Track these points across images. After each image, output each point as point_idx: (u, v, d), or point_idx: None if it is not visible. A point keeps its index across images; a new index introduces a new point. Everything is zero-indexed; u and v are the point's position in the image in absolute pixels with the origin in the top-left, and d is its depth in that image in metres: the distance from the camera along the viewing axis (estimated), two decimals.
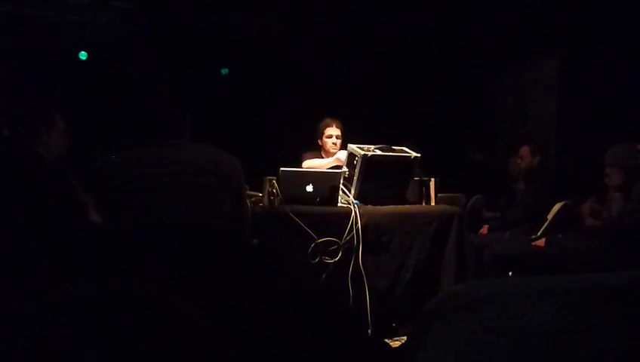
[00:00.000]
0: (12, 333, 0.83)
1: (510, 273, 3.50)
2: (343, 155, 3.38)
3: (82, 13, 5.81)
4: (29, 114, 2.55)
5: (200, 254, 2.05)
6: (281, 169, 2.93)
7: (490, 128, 6.70)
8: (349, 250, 2.93)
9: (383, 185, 3.22)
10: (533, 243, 3.52)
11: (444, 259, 3.19)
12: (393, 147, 3.26)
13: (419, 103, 6.59)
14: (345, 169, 3.17)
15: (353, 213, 2.95)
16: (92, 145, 5.42)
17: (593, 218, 3.46)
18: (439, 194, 3.47)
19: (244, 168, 2.38)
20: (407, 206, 3.29)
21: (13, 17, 5.68)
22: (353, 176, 3.11)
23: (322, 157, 3.94)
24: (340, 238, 2.91)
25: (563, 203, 3.74)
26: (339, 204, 3.06)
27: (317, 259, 2.88)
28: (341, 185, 3.08)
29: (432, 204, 3.40)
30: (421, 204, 3.37)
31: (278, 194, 2.89)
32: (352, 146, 3.18)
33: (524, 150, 4.31)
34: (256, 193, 3.07)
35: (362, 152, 3.07)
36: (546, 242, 3.41)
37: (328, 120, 3.97)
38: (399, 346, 2.86)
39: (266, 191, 2.93)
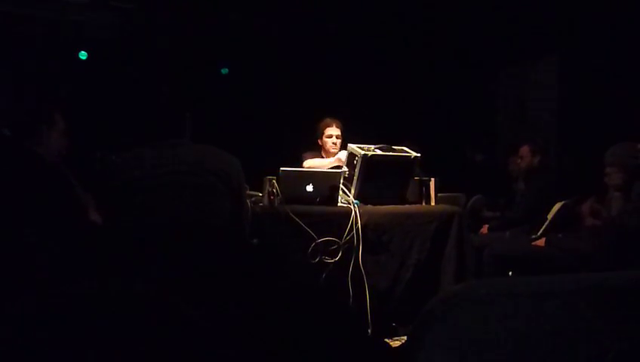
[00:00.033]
0: (12, 333, 0.83)
1: (510, 273, 3.50)
2: (343, 155, 3.39)
3: (82, 13, 5.81)
4: (29, 114, 2.55)
5: (200, 254, 2.05)
6: (281, 169, 2.93)
7: (491, 128, 6.70)
8: (349, 249, 2.93)
9: (383, 184, 3.22)
10: (533, 243, 3.53)
11: (444, 258, 3.18)
12: (393, 147, 3.26)
13: (419, 103, 6.59)
14: (345, 169, 3.17)
15: (353, 212, 2.95)
16: (92, 145, 5.41)
17: (593, 218, 3.46)
18: (439, 194, 3.47)
19: (244, 168, 2.38)
20: (407, 206, 3.29)
21: (13, 17, 5.68)
22: (353, 175, 3.11)
23: (322, 157, 3.94)
24: (340, 238, 2.91)
25: (563, 203, 3.74)
26: (339, 204, 3.06)
27: (317, 259, 2.88)
28: (341, 185, 3.08)
29: (432, 203, 3.40)
30: (421, 203, 3.37)
31: (278, 194, 2.89)
32: (352, 146, 3.18)
33: (524, 150, 4.31)
34: (256, 193, 3.07)
35: (362, 152, 3.07)
36: (546, 242, 3.41)
37: (328, 120, 3.97)
38: (399, 346, 2.86)
39: (266, 191, 2.93)
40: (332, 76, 6.38)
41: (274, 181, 2.91)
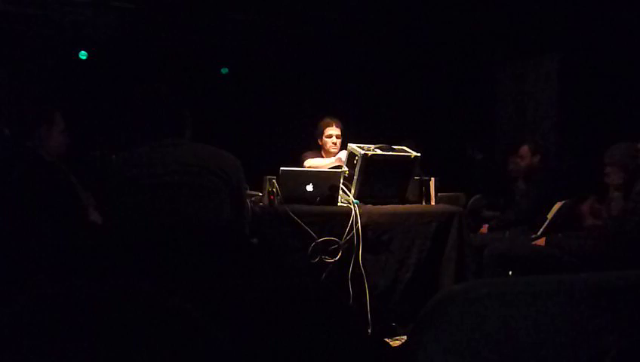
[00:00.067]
0: (11, 333, 0.83)
1: (510, 272, 3.49)
2: (344, 155, 3.39)
3: (82, 12, 5.81)
4: (29, 113, 2.55)
5: (200, 254, 2.05)
6: (281, 168, 2.93)
7: (490, 128, 6.70)
8: (349, 249, 2.93)
9: (383, 184, 3.22)
10: (533, 243, 3.52)
11: (444, 258, 3.19)
12: (393, 146, 3.26)
13: (419, 103, 6.59)
14: (345, 168, 3.17)
15: (353, 212, 2.95)
16: (92, 145, 5.42)
17: (593, 217, 3.46)
18: (439, 194, 3.48)
19: (244, 168, 2.38)
20: (407, 205, 3.30)
21: (13, 16, 5.68)
22: (353, 175, 3.11)
23: (323, 157, 3.94)
24: (340, 238, 2.91)
25: (563, 202, 3.74)
26: (339, 204, 3.06)
27: (317, 259, 2.88)
28: (341, 185, 3.08)
29: (432, 203, 3.40)
30: (421, 203, 3.38)
31: (278, 194, 2.89)
32: (352, 146, 3.18)
33: (524, 150, 4.30)
34: (256, 192, 3.08)
35: (362, 152, 3.07)
36: (546, 241, 3.40)
37: (328, 119, 3.97)
38: (399, 345, 2.86)
39: (266, 191, 2.93)
40: (332, 76, 6.37)
41: (274, 181, 2.92)
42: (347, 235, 2.92)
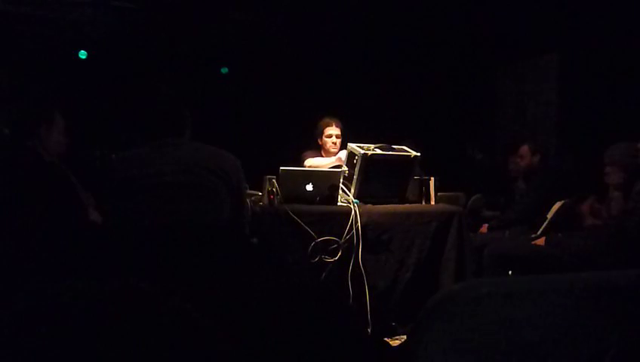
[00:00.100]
0: (10, 333, 0.83)
1: (510, 272, 3.49)
2: (344, 155, 3.39)
3: (82, 12, 5.81)
4: (28, 112, 2.55)
5: (199, 253, 2.05)
6: (281, 168, 2.93)
7: (490, 127, 6.70)
8: (349, 249, 2.93)
9: (383, 184, 3.23)
10: (533, 243, 3.52)
11: (443, 258, 3.19)
12: (393, 146, 3.26)
13: (419, 102, 6.59)
14: (345, 168, 3.17)
15: (353, 212, 2.95)
16: (92, 145, 5.42)
17: (593, 217, 3.46)
18: (439, 193, 3.48)
19: (243, 167, 2.38)
20: (407, 205, 3.30)
21: (13, 16, 5.68)
22: (353, 175, 3.11)
23: (323, 157, 3.94)
24: (340, 237, 2.91)
25: (563, 202, 3.74)
26: (339, 203, 3.06)
27: (317, 258, 2.88)
28: (341, 185, 3.08)
29: (432, 203, 3.40)
30: (421, 203, 3.38)
31: (277, 194, 2.89)
32: (351, 145, 3.18)
33: (524, 149, 4.31)
34: (256, 192, 3.07)
35: (362, 151, 3.07)
36: (545, 241, 3.40)
37: (328, 119, 3.96)
38: (399, 345, 2.86)
39: (266, 191, 2.93)
40: (332, 75, 6.37)
41: (274, 180, 2.92)
42: (347, 235, 2.92)
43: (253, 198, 2.98)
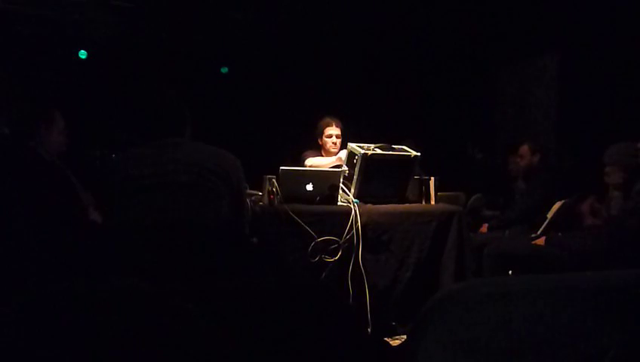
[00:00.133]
0: (10, 333, 0.83)
1: (510, 271, 3.49)
2: (345, 155, 3.39)
3: (82, 12, 5.81)
4: (28, 112, 2.55)
5: (199, 253, 2.05)
6: (281, 168, 2.93)
7: (490, 127, 6.70)
8: (349, 248, 2.93)
9: (383, 184, 3.22)
10: (533, 242, 3.52)
11: (443, 257, 3.19)
12: (393, 146, 3.26)
13: (419, 102, 6.59)
14: (345, 168, 3.17)
15: (353, 211, 2.95)
16: (92, 144, 5.42)
17: (593, 217, 3.46)
18: (439, 193, 3.47)
19: (243, 167, 2.38)
20: (407, 205, 3.29)
21: (13, 15, 5.68)
22: (353, 174, 3.11)
23: (323, 157, 3.94)
24: (340, 237, 2.91)
25: (563, 201, 3.74)
26: (339, 203, 3.06)
27: (317, 258, 2.88)
28: (341, 184, 3.08)
29: (432, 202, 3.40)
30: (421, 202, 3.37)
31: (277, 193, 2.89)
32: (351, 145, 3.18)
33: (524, 149, 4.31)
34: (256, 192, 3.07)
35: (362, 151, 3.07)
36: (545, 241, 3.40)
37: (328, 119, 3.96)
38: (399, 345, 2.86)
39: (266, 190, 2.93)
40: (332, 75, 6.37)
41: (274, 180, 2.92)
42: (347, 235, 2.92)
43: (253, 198, 2.97)
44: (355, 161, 3.10)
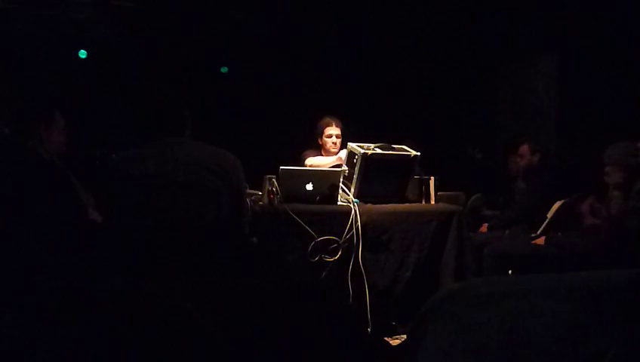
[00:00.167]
0: (11, 333, 0.83)
1: (510, 271, 3.49)
2: (345, 155, 3.39)
3: (82, 11, 5.81)
4: (28, 112, 2.55)
5: (199, 253, 2.05)
6: (281, 167, 2.93)
7: (490, 127, 6.70)
8: (349, 248, 2.93)
9: (383, 183, 3.22)
10: (532, 242, 3.52)
11: (443, 257, 3.19)
12: (393, 145, 3.26)
13: (419, 102, 6.59)
14: (345, 167, 3.17)
15: (353, 211, 2.95)
16: (92, 144, 5.41)
17: (593, 216, 3.46)
18: (439, 193, 3.48)
19: (243, 166, 2.38)
20: (407, 204, 3.30)
21: (12, 15, 5.67)
22: (353, 174, 3.11)
23: (323, 156, 3.94)
24: (340, 237, 2.91)
25: (563, 201, 3.74)
26: (338, 203, 3.06)
27: (317, 258, 2.88)
28: (341, 184, 3.08)
29: (432, 202, 3.40)
30: (421, 202, 3.38)
31: (277, 193, 2.89)
32: (351, 145, 3.18)
33: (524, 149, 4.31)
34: (256, 191, 3.07)
35: (362, 151, 3.07)
36: (545, 240, 3.41)
37: (328, 119, 3.96)
38: (399, 344, 2.86)
39: (266, 190, 2.93)
40: (332, 75, 6.37)
41: (274, 180, 2.92)
42: (347, 234, 2.92)
43: (253, 198, 2.97)
44: (355, 160, 3.10)
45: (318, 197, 3.00)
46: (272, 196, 2.90)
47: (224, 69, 6.82)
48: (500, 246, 3.61)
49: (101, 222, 2.45)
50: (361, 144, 3.16)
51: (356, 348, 1.23)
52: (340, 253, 2.91)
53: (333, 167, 3.54)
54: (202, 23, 6.02)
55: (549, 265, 3.28)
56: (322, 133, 3.93)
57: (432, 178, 3.43)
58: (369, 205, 3.11)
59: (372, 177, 3.13)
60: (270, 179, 2.92)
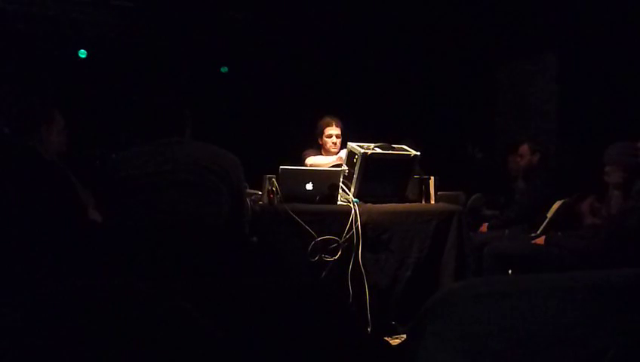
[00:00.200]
0: (11, 332, 0.83)
1: (510, 271, 3.49)
2: (345, 154, 3.39)
3: (82, 11, 5.81)
4: (28, 111, 2.55)
5: (199, 253, 2.05)
6: (281, 167, 2.93)
7: (490, 127, 6.70)
8: (349, 248, 2.93)
9: (383, 183, 3.22)
10: (532, 242, 3.52)
11: (443, 257, 3.19)
12: (393, 145, 3.26)
13: (419, 101, 6.59)
14: (345, 167, 3.17)
15: (353, 211, 2.95)
16: (92, 143, 5.41)
17: (593, 216, 3.46)
18: (439, 193, 3.48)
19: (243, 166, 2.38)
20: (406, 204, 3.30)
21: (12, 15, 5.67)
22: (353, 174, 3.11)
23: (323, 156, 3.94)
24: (340, 236, 2.91)
25: (563, 201, 3.74)
26: (338, 202, 3.06)
27: (317, 258, 2.88)
28: (341, 184, 3.08)
29: (432, 202, 3.40)
30: (421, 202, 3.38)
31: (277, 193, 2.89)
32: (351, 144, 3.18)
33: (524, 148, 4.31)
34: (255, 191, 3.07)
35: (362, 150, 3.07)
36: (545, 240, 3.40)
37: (328, 119, 3.96)
38: (399, 344, 2.86)
39: (266, 190, 2.93)
40: (332, 74, 6.37)
41: (273, 179, 2.92)
42: (347, 234, 2.92)
43: (253, 197, 2.97)
44: (354, 160, 3.10)
45: (318, 197, 3.00)
46: (272, 196, 2.90)
47: (224, 69, 6.82)
48: (499, 245, 3.61)
49: (101, 222, 2.45)
50: (361, 144, 3.17)
51: (356, 348, 1.23)
52: (339, 252, 2.91)
53: (333, 166, 3.54)
54: (202, 22, 6.01)
55: (549, 265, 3.28)
56: (322, 132, 3.93)
57: (432, 178, 3.43)
58: (369, 205, 3.11)
59: (372, 177, 3.13)
60: (270, 178, 2.92)
